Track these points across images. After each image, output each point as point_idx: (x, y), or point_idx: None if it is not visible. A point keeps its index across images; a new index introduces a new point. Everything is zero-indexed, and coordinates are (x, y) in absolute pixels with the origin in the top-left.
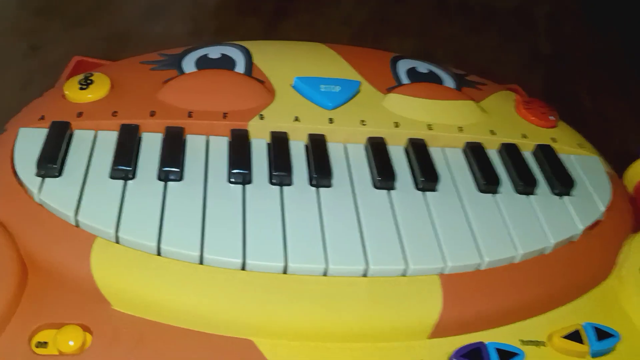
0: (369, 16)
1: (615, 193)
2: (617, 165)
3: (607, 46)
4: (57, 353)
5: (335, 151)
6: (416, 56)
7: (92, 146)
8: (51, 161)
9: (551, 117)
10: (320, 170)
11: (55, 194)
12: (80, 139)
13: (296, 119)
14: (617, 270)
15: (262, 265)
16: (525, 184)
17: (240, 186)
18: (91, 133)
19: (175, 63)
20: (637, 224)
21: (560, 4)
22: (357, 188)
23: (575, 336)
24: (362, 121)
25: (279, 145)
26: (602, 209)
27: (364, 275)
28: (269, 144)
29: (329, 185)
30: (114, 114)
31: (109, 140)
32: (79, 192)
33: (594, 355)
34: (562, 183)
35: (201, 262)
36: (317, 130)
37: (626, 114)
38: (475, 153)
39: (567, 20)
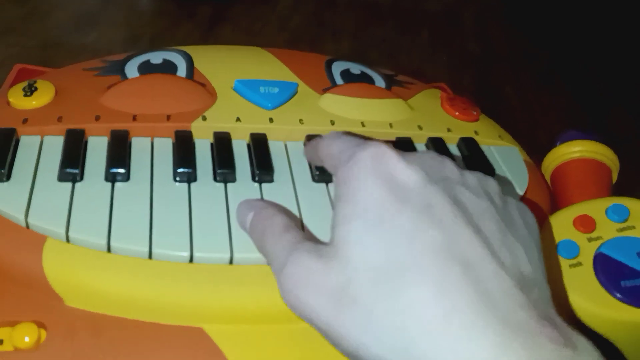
0: (305, 20)
1: (532, 179)
2: (543, 154)
3: (529, 45)
4: (12, 349)
5: (276, 149)
6: (351, 58)
7: (39, 151)
8: None
9: (473, 112)
10: (263, 167)
11: (5, 198)
12: (27, 144)
13: (238, 120)
14: None
15: (209, 257)
16: None
17: (185, 184)
18: (37, 138)
19: (118, 69)
20: (552, 207)
21: (485, 7)
22: (297, 182)
23: None
24: (301, 120)
25: (221, 144)
26: (520, 194)
27: None
28: (212, 144)
29: (271, 181)
30: (59, 119)
31: (55, 145)
32: (28, 195)
33: None
34: (483, 172)
35: (150, 257)
36: (258, 129)
37: (549, 107)
38: (405, 147)
39: (492, 22)
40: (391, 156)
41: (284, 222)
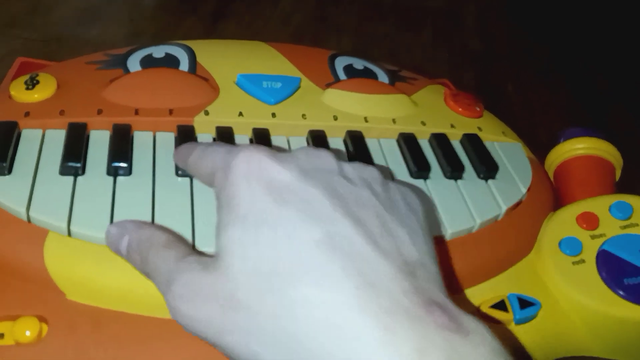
0: (307, 17)
1: (535, 176)
2: (543, 151)
3: (530, 43)
4: (13, 343)
5: (278, 144)
6: (353, 54)
7: (41, 144)
8: (0, 159)
9: (477, 108)
10: None
11: (6, 191)
12: (29, 138)
13: (240, 114)
14: (537, 245)
15: (211, 252)
16: (453, 170)
17: (187, 179)
18: (39, 132)
19: (121, 62)
20: (556, 203)
21: (486, 5)
22: None
23: (500, 306)
24: (303, 115)
25: (224, 139)
26: (524, 190)
27: None
28: (214, 139)
29: None
30: (61, 112)
31: (57, 138)
32: (29, 189)
33: (518, 322)
34: (486, 168)
35: None
36: (261, 124)
37: (549, 105)
38: (408, 143)
39: (493, 19)
40: (264, 158)
41: (165, 238)
